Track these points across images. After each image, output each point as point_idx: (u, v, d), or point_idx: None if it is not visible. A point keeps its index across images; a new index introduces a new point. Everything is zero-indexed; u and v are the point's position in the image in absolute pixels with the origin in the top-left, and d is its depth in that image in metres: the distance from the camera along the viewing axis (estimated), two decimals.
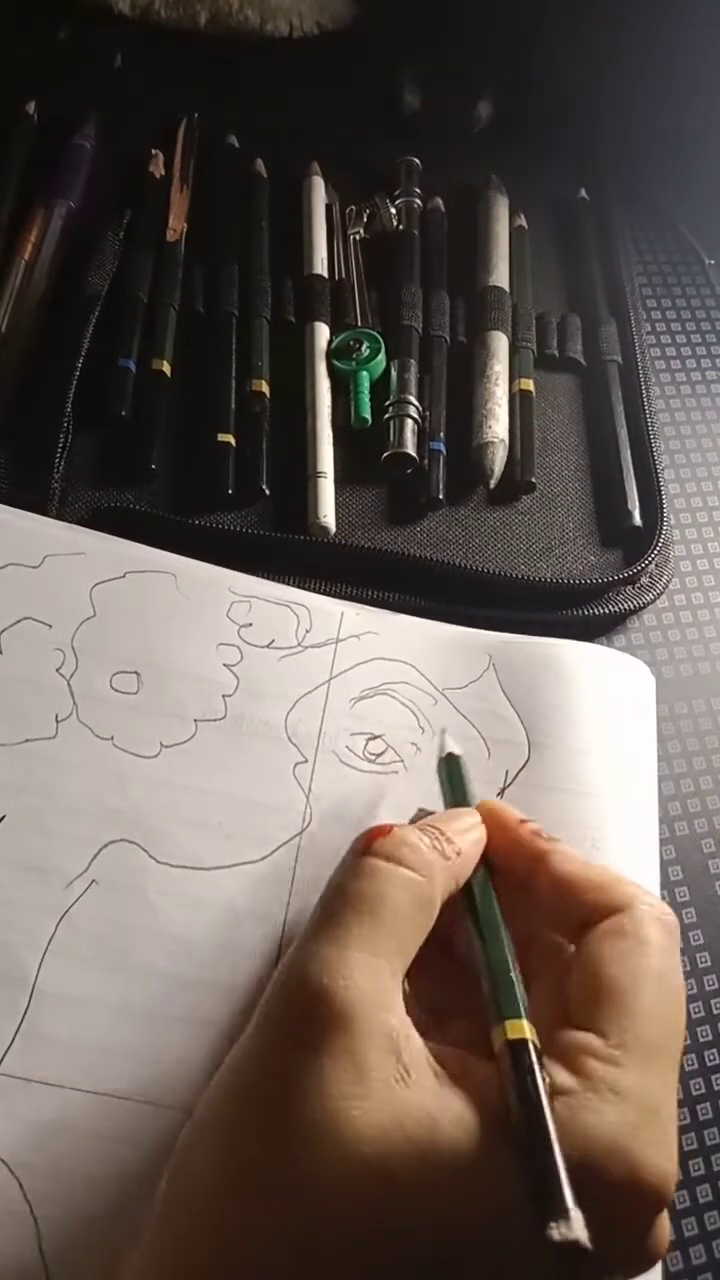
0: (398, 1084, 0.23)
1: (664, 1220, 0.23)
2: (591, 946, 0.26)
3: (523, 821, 0.30)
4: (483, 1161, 0.22)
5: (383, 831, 0.27)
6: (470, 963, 0.27)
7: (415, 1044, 0.24)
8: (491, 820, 0.30)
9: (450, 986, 0.26)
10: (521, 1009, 0.25)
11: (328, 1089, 0.23)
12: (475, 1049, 0.25)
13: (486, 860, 0.29)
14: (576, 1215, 0.21)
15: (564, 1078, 0.24)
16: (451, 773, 0.32)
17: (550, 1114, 0.23)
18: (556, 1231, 0.21)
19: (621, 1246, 0.23)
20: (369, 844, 0.27)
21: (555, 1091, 0.23)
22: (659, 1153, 0.23)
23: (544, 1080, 0.23)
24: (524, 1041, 0.24)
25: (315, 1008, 0.24)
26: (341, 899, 0.26)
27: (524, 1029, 0.24)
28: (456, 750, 0.33)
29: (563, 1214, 0.21)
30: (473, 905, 0.28)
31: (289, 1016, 0.24)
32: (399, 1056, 0.24)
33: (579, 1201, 0.21)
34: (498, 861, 0.29)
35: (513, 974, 0.26)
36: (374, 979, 0.24)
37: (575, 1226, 0.21)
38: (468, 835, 0.29)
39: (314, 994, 0.24)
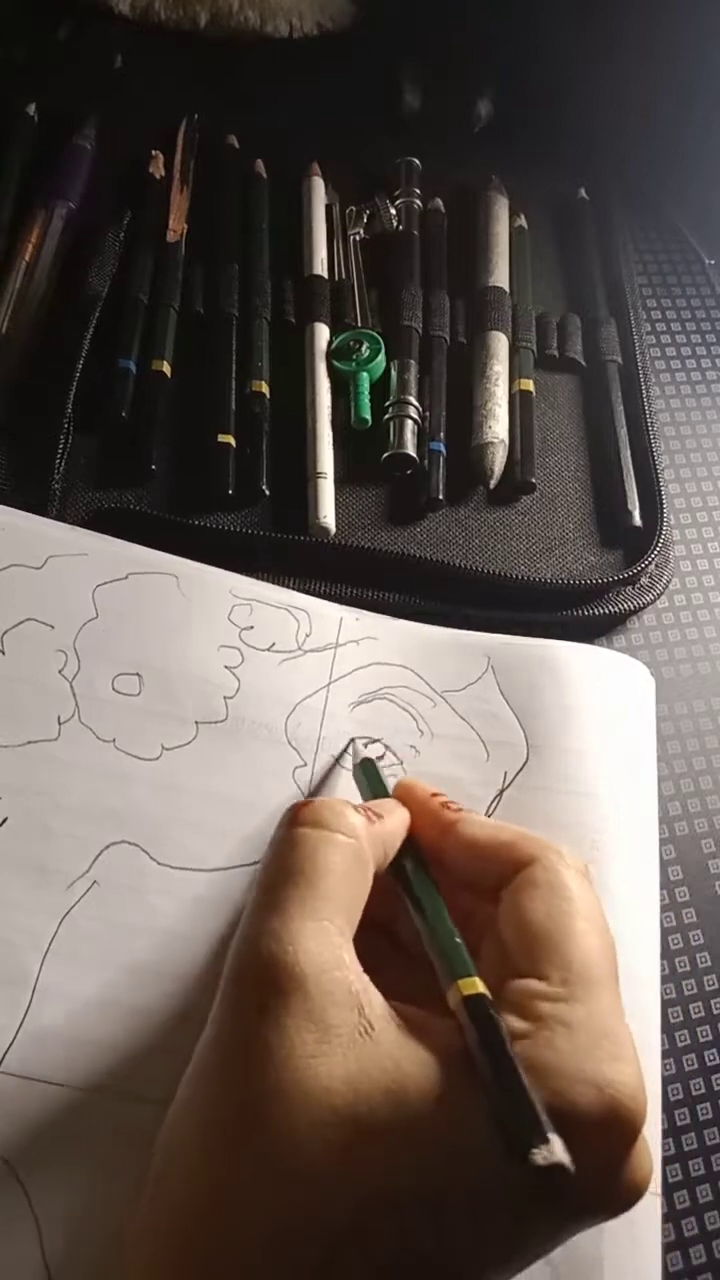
0: (361, 1037, 0.24)
1: (641, 1151, 0.24)
2: (513, 900, 0.27)
3: (434, 795, 0.31)
4: (453, 1106, 0.23)
5: (307, 803, 0.28)
6: (416, 947, 0.28)
7: (375, 999, 0.25)
8: (405, 798, 0.31)
9: (401, 978, 0.27)
10: (470, 968, 0.26)
11: (293, 1049, 0.23)
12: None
13: (414, 841, 0.30)
14: (555, 1139, 0.21)
15: (517, 1023, 0.24)
16: (368, 775, 0.33)
17: (513, 1051, 0.23)
18: (540, 1155, 0.21)
19: (599, 1178, 0.23)
20: (295, 816, 0.28)
21: (512, 1036, 0.24)
22: (620, 1069, 0.23)
23: (502, 1024, 0.24)
24: (479, 995, 0.25)
25: (268, 976, 0.24)
26: (277, 872, 0.27)
27: (476, 984, 0.25)
28: (369, 754, 0.34)
29: (542, 1139, 0.21)
30: (407, 883, 0.29)
31: (245, 990, 0.25)
32: (360, 1011, 0.24)
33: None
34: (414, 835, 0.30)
35: (457, 938, 0.27)
36: (321, 940, 0.25)
37: (556, 1149, 0.21)
38: (392, 812, 0.30)
39: (265, 964, 0.24)
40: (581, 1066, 0.23)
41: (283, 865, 0.27)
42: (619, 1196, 0.24)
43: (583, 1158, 0.21)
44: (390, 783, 0.33)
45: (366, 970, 0.26)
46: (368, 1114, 0.23)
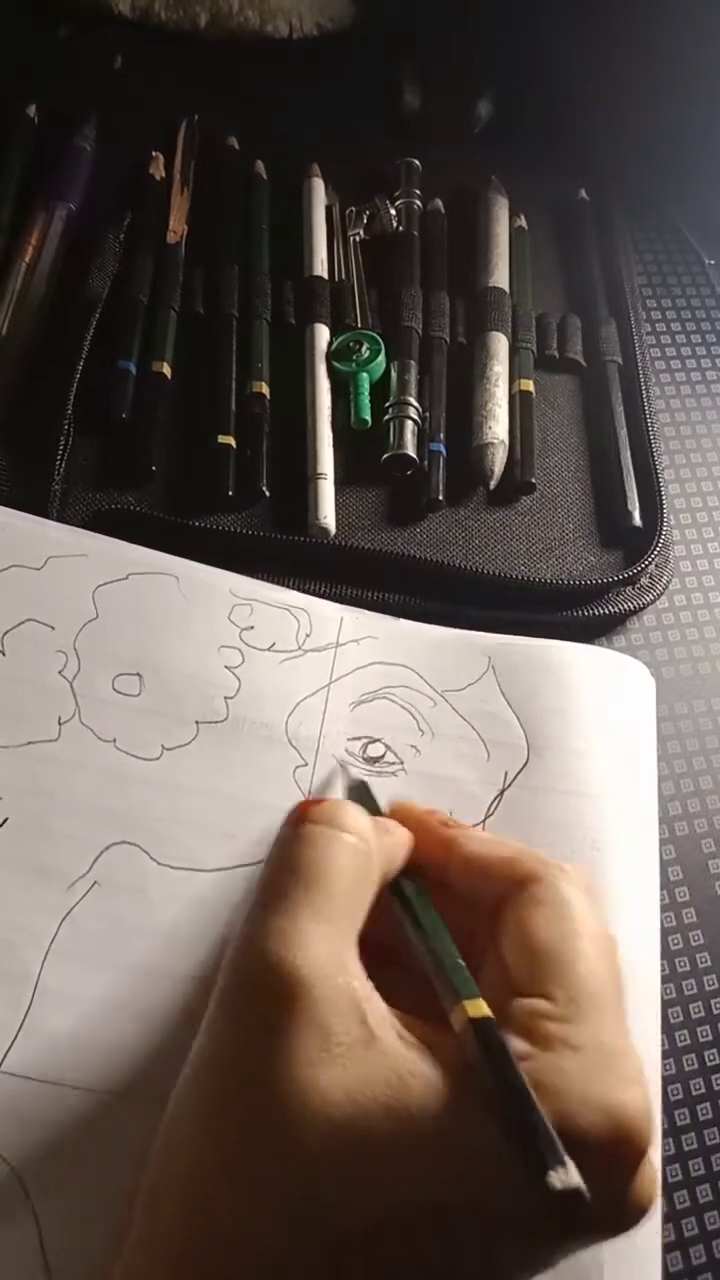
0: (363, 1047, 0.23)
1: (647, 1170, 0.23)
2: (516, 918, 0.27)
3: (430, 812, 0.31)
4: (458, 1123, 0.22)
5: (316, 801, 0.28)
6: (411, 962, 0.27)
7: (378, 1007, 0.24)
8: (402, 818, 0.31)
9: (396, 990, 0.26)
10: (474, 988, 0.25)
11: (294, 1058, 0.23)
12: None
13: (413, 861, 0.30)
14: (570, 1164, 0.21)
15: (522, 1045, 0.24)
16: (363, 799, 0.32)
17: (523, 1075, 0.23)
18: (557, 1179, 0.21)
19: (605, 1198, 0.23)
20: (305, 812, 0.27)
21: (518, 1058, 0.23)
22: (627, 1090, 0.23)
23: (510, 1047, 0.24)
24: (485, 1018, 0.24)
25: (272, 981, 0.24)
26: (285, 868, 0.26)
27: (481, 1006, 0.24)
28: (361, 777, 0.34)
29: (559, 1162, 0.21)
30: (406, 902, 0.28)
31: (247, 994, 0.24)
32: (363, 1020, 0.24)
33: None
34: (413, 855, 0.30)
35: (458, 959, 0.26)
36: (328, 945, 0.24)
37: (571, 1174, 0.21)
38: (394, 830, 0.30)
39: (270, 968, 0.24)
40: (589, 1090, 0.23)
41: (290, 863, 0.26)
42: (624, 1216, 0.23)
43: (589, 1179, 0.21)
44: (383, 802, 0.32)
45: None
46: (368, 1128, 0.22)
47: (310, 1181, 0.22)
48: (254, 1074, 0.23)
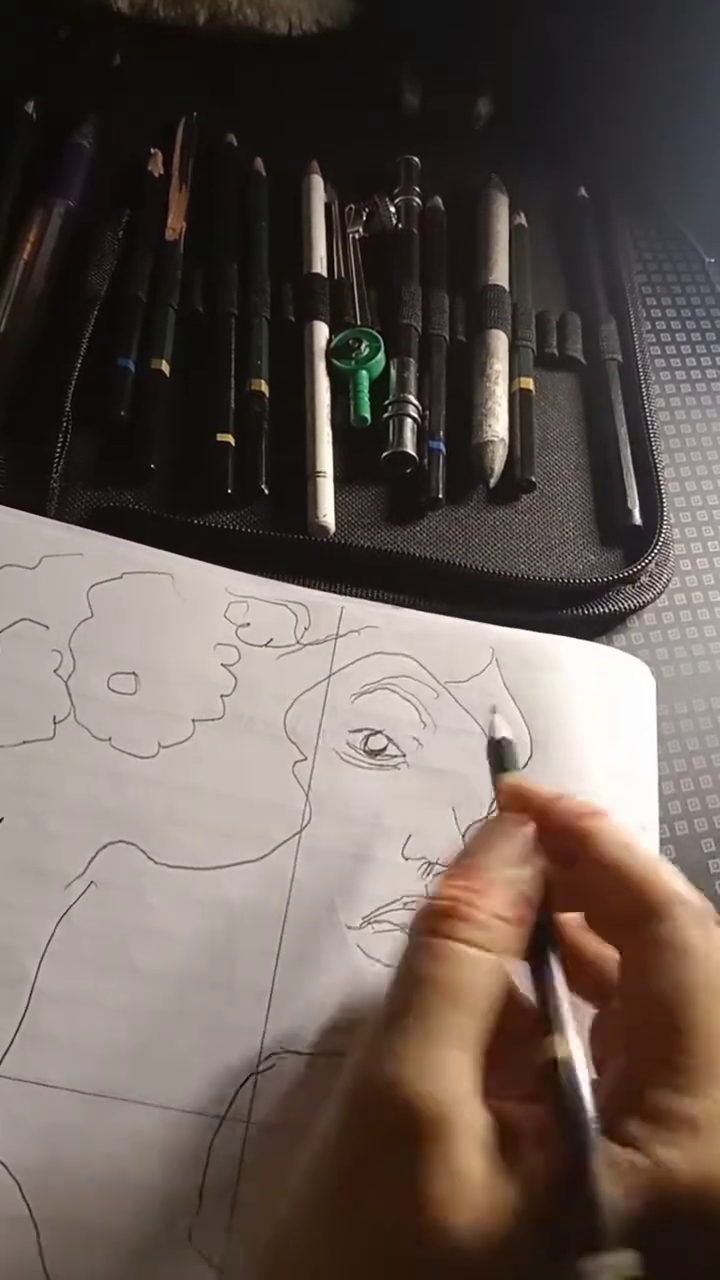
0: (492, 1180, 0.21)
1: None
2: (634, 960, 0.25)
3: (561, 797, 0.28)
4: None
5: (447, 911, 0.25)
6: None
7: (490, 1132, 0.22)
8: (528, 800, 0.28)
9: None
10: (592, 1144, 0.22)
11: (427, 1197, 0.21)
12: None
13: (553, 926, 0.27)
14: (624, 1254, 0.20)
15: (639, 1129, 0.22)
16: (504, 759, 0.30)
17: (591, 1132, 0.21)
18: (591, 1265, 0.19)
19: None
20: (435, 924, 0.25)
21: (626, 1139, 0.22)
22: None
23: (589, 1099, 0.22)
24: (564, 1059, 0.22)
25: (407, 1116, 0.22)
26: (422, 986, 0.24)
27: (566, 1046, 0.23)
28: (508, 734, 0.30)
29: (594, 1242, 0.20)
30: (545, 991, 0.25)
31: (376, 1125, 0.22)
32: (486, 1152, 0.22)
33: (662, 1251, 0.20)
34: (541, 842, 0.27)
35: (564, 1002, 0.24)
36: (463, 1076, 0.23)
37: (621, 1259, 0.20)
38: (523, 871, 0.26)
39: (404, 1101, 0.22)
40: (706, 1175, 0.21)
41: (429, 980, 0.24)
42: None
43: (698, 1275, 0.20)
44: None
45: None
46: (503, 1264, 0.20)
47: None
48: (382, 1211, 0.22)
